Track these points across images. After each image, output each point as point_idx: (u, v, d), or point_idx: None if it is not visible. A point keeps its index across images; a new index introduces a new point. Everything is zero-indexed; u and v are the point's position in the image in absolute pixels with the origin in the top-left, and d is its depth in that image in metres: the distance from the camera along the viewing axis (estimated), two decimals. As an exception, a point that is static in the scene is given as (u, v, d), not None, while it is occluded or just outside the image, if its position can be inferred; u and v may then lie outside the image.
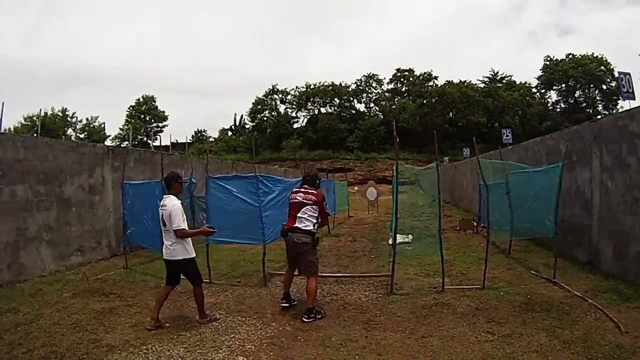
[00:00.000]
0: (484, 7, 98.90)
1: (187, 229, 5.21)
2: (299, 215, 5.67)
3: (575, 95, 54.65)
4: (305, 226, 5.63)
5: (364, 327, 5.18)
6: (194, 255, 5.28)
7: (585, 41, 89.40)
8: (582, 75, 51.87)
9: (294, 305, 5.90)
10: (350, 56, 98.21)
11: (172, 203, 5.17)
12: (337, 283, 7.25)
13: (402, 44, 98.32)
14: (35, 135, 24.76)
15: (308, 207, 5.68)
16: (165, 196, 5.41)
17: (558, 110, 55.79)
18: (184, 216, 5.22)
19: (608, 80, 51.31)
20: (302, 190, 5.86)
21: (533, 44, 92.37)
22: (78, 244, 8.84)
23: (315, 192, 5.85)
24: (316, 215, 5.72)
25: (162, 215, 5.21)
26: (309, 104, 58.94)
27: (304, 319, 5.41)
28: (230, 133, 60.61)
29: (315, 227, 5.72)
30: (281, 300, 5.93)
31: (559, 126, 37.14)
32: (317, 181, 6.18)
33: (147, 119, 58.33)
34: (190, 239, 5.27)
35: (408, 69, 59.67)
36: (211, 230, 5.50)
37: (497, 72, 59.58)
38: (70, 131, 53.28)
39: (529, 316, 5.25)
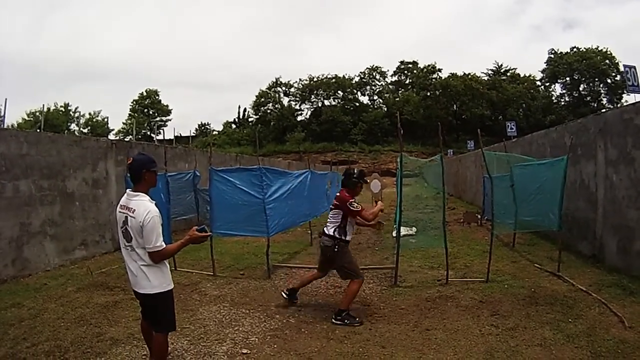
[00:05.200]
0: (489, 0, 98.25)
1: (165, 246, 3.31)
2: (328, 218, 5.47)
3: (580, 88, 54.31)
4: (327, 230, 5.38)
5: (367, 319, 5.19)
6: (171, 286, 3.50)
7: (590, 35, 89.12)
8: (587, 69, 51.52)
9: (294, 302, 5.76)
10: (354, 49, 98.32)
11: (144, 209, 3.26)
12: (340, 276, 7.25)
13: (406, 36, 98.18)
14: (38, 130, 24.80)
15: (334, 210, 5.39)
16: (130, 193, 3.42)
17: (562, 103, 55.50)
18: (161, 228, 3.33)
19: (613, 73, 50.93)
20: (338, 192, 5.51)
21: (538, 38, 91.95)
22: (82, 238, 8.86)
23: (339, 194, 5.43)
24: (338, 218, 5.32)
25: (126, 225, 3.33)
26: (313, 96, 58.95)
27: (332, 320, 5.13)
28: (234, 126, 60.59)
29: (337, 231, 5.28)
30: (286, 289, 5.81)
31: (564, 119, 37.06)
32: (353, 178, 5.51)
33: (151, 112, 58.43)
34: (167, 261, 3.50)
35: (412, 61, 59.54)
36: (202, 234, 3.43)
37: (502, 65, 59.20)
38: (73, 126, 53.57)
39: (533, 310, 5.24)
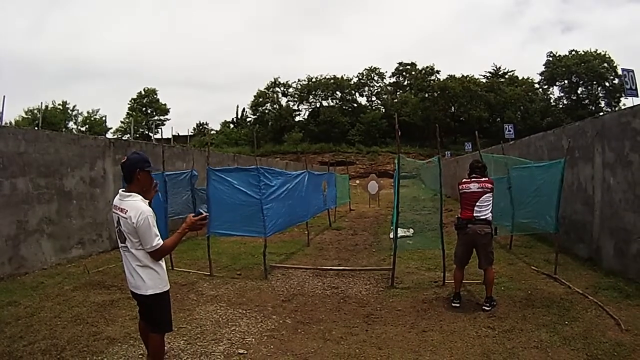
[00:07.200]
0: (487, 2, 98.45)
1: (163, 242, 3.24)
2: (477, 204, 5.50)
3: (578, 91, 54.41)
4: (484, 215, 5.48)
5: (364, 320, 5.19)
6: (167, 287, 3.42)
7: (588, 38, 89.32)
8: (585, 72, 51.58)
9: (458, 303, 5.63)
10: (352, 50, 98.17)
11: (137, 210, 3.17)
12: (337, 276, 7.26)
13: (405, 38, 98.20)
14: (36, 128, 24.75)
15: (487, 194, 5.54)
16: (122, 193, 3.34)
17: (560, 106, 55.53)
18: (156, 226, 3.25)
19: (611, 77, 50.97)
20: (474, 179, 5.72)
21: (536, 40, 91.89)
22: (79, 237, 8.85)
23: (488, 179, 5.77)
24: (492, 202, 5.60)
25: (120, 224, 3.28)
26: (311, 97, 58.89)
27: (484, 307, 5.37)
28: (232, 126, 60.50)
29: (491, 214, 5.56)
30: (453, 300, 5.64)
31: (561, 122, 37.07)
32: (486, 170, 6.02)
33: (149, 111, 58.30)
34: (163, 261, 3.41)
35: (410, 62, 59.61)
36: (199, 219, 3.36)
37: (500, 67, 59.25)
38: (71, 124, 53.42)
39: (530, 312, 5.25)
